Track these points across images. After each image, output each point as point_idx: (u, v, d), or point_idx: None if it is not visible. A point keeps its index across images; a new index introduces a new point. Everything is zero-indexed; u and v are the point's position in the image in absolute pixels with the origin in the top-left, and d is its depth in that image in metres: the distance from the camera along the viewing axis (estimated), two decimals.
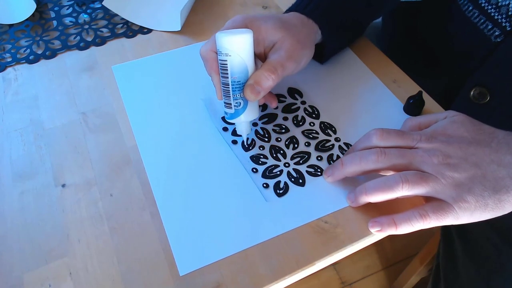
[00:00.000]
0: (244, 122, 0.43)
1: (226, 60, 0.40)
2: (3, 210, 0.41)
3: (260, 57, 0.45)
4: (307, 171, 0.44)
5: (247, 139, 0.46)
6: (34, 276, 0.37)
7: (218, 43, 0.40)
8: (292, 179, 0.43)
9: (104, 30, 0.60)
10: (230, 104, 0.42)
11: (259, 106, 0.46)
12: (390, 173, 0.40)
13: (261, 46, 0.44)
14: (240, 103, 0.42)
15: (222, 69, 0.41)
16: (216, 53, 0.42)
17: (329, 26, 0.48)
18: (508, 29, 0.50)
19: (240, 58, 0.40)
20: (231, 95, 0.42)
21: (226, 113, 0.44)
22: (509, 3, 0.49)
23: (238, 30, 0.41)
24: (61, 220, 0.40)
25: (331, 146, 0.46)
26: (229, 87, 0.41)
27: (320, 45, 0.50)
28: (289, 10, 0.49)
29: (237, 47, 0.39)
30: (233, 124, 0.46)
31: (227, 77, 0.41)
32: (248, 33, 0.40)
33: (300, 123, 0.48)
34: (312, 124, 0.48)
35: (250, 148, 0.46)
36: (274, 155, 0.45)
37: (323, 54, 0.52)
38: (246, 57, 0.40)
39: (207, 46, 0.43)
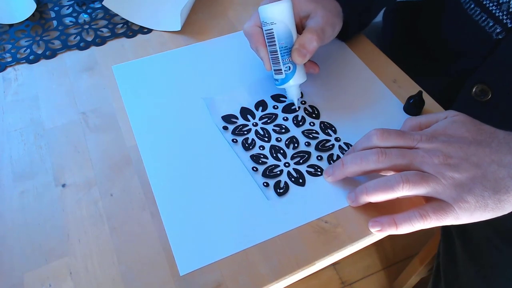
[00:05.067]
0: (294, 85, 0.47)
1: (272, 29, 0.44)
2: (3, 210, 0.41)
3: (297, 28, 0.48)
4: (307, 171, 0.44)
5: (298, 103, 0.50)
6: (34, 275, 0.37)
7: (262, 15, 0.45)
8: (292, 179, 0.43)
9: (104, 30, 0.60)
10: (281, 69, 0.46)
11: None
12: (391, 173, 0.40)
13: (297, 17, 0.47)
14: (289, 67, 0.46)
15: (269, 38, 0.45)
16: (260, 27, 0.46)
17: (350, 6, 0.51)
18: (510, 26, 0.50)
19: (284, 24, 0.44)
20: (280, 60, 0.46)
21: (276, 79, 0.48)
22: (510, 0, 0.49)
23: (276, 2, 0.44)
24: (61, 220, 0.40)
25: (331, 146, 0.46)
26: (277, 54, 0.45)
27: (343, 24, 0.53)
28: None
29: (279, 15, 0.44)
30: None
31: (275, 44, 0.45)
32: (287, 1, 0.44)
33: (300, 123, 0.48)
34: (312, 124, 0.48)
35: (250, 147, 0.46)
36: (274, 155, 0.45)
37: (347, 32, 0.54)
38: (289, 23, 0.44)
39: (250, 23, 0.48)
